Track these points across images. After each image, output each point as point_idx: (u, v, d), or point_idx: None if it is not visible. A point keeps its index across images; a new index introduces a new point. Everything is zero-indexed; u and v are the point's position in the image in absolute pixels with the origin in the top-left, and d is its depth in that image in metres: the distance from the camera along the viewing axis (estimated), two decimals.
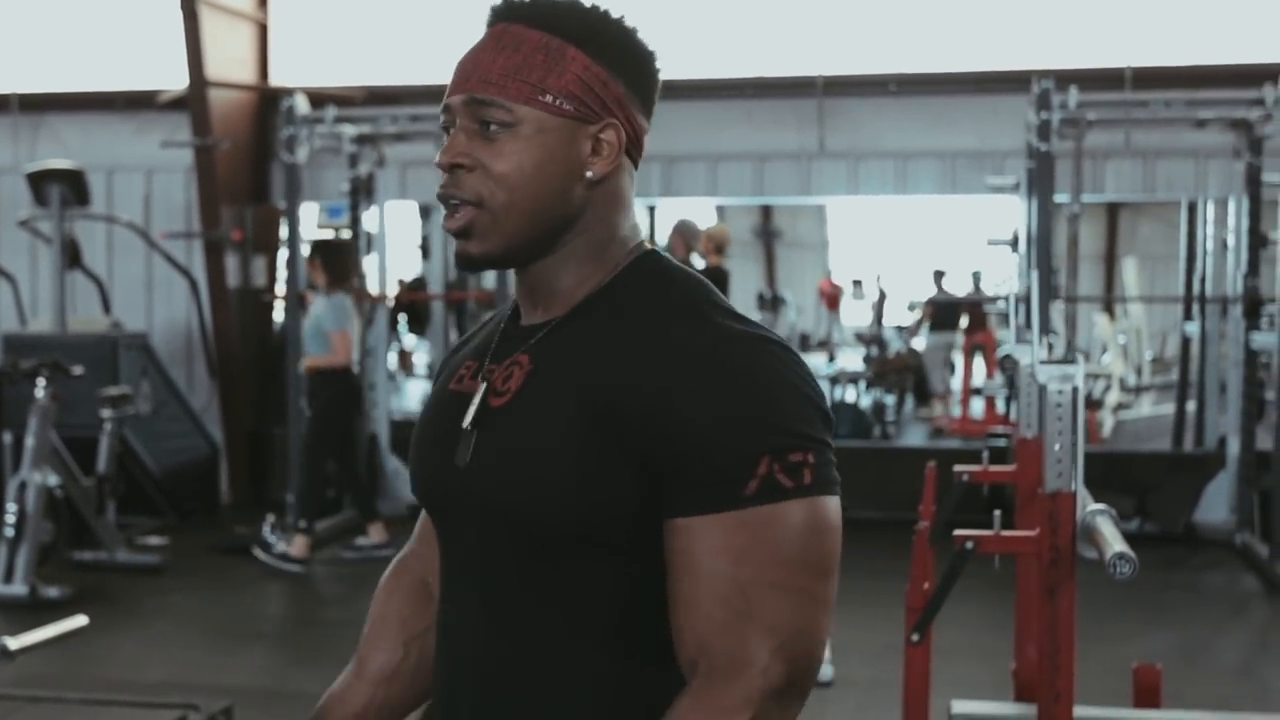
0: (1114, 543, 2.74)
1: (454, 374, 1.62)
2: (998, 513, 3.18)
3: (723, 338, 1.42)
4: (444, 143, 1.51)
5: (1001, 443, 8.62)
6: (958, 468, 4.16)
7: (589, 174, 1.50)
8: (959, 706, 3.74)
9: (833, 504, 1.41)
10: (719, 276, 8.49)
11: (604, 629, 1.43)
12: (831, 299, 19.14)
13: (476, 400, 1.51)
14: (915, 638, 3.23)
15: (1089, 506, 2.97)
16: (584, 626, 1.44)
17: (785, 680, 1.36)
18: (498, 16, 1.52)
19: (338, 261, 8.04)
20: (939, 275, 14.19)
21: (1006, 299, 9.23)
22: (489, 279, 11.16)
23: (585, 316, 1.50)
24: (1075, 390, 3.01)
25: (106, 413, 7.75)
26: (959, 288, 14.68)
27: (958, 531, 3.13)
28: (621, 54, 1.51)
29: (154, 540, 8.05)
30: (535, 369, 1.49)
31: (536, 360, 1.50)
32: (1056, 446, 3.01)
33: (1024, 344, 4.21)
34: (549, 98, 1.46)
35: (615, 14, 1.53)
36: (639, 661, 1.44)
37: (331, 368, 7.87)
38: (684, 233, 8.72)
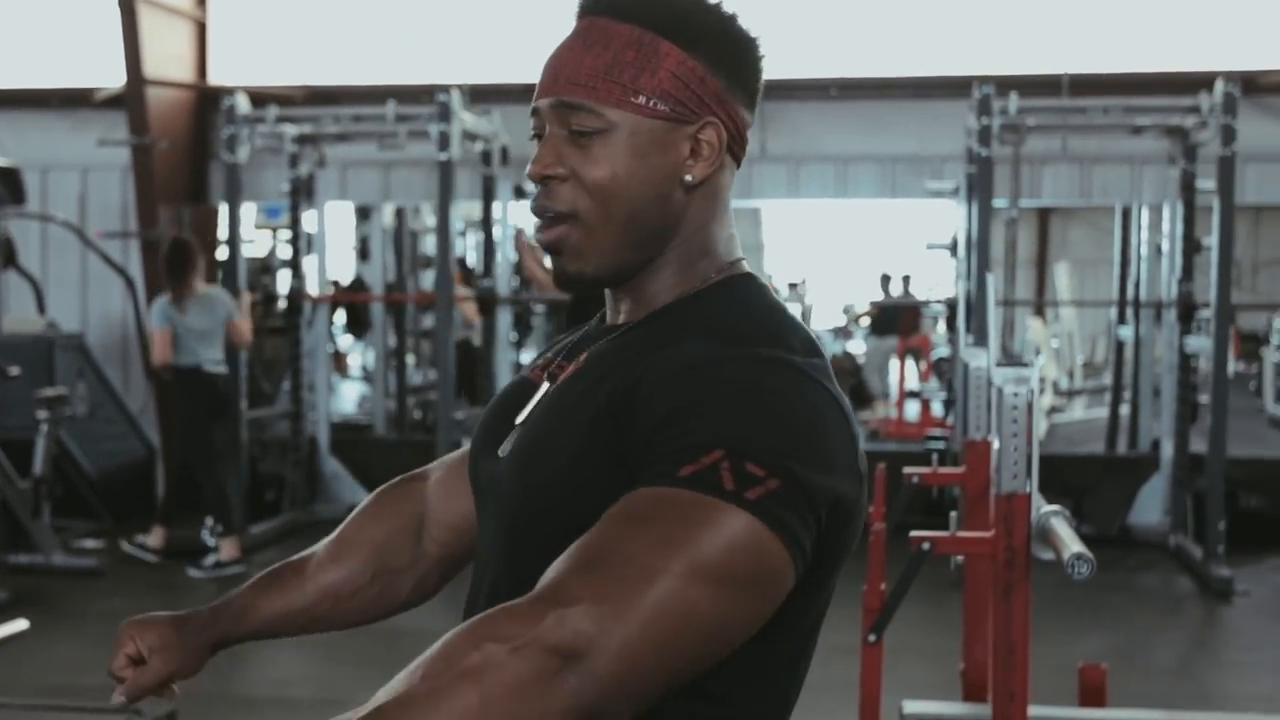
0: (1071, 543, 2.77)
1: (536, 362, 1.56)
2: (954, 514, 3.21)
3: (754, 357, 1.29)
4: (535, 150, 1.41)
5: (940, 445, 8.69)
6: (907, 469, 4.19)
7: (688, 178, 1.39)
8: (910, 707, 3.77)
9: (770, 544, 1.20)
10: None
11: None
12: None
13: (536, 398, 1.46)
14: (872, 638, 3.25)
15: (1043, 508, 3.01)
16: None
17: (584, 643, 1.14)
18: (585, 9, 1.41)
19: (165, 263, 7.79)
20: (885, 279, 14.29)
21: (945, 302, 9.32)
22: (427, 280, 11.16)
23: (648, 326, 1.41)
24: (1031, 392, 3.05)
25: (42, 414, 7.65)
26: (897, 291, 14.78)
27: (914, 533, 3.15)
28: (720, 44, 1.40)
29: (90, 543, 7.96)
30: (580, 370, 1.42)
31: (589, 362, 1.42)
32: (1011, 448, 3.04)
33: (974, 347, 4.25)
34: (642, 99, 1.36)
35: (710, 0, 1.42)
36: None
37: (175, 368, 7.72)
38: None
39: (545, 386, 1.46)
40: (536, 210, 1.40)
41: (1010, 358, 7.13)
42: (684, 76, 1.37)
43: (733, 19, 1.41)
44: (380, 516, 1.69)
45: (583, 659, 1.13)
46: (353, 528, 1.69)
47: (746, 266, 1.47)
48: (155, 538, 7.81)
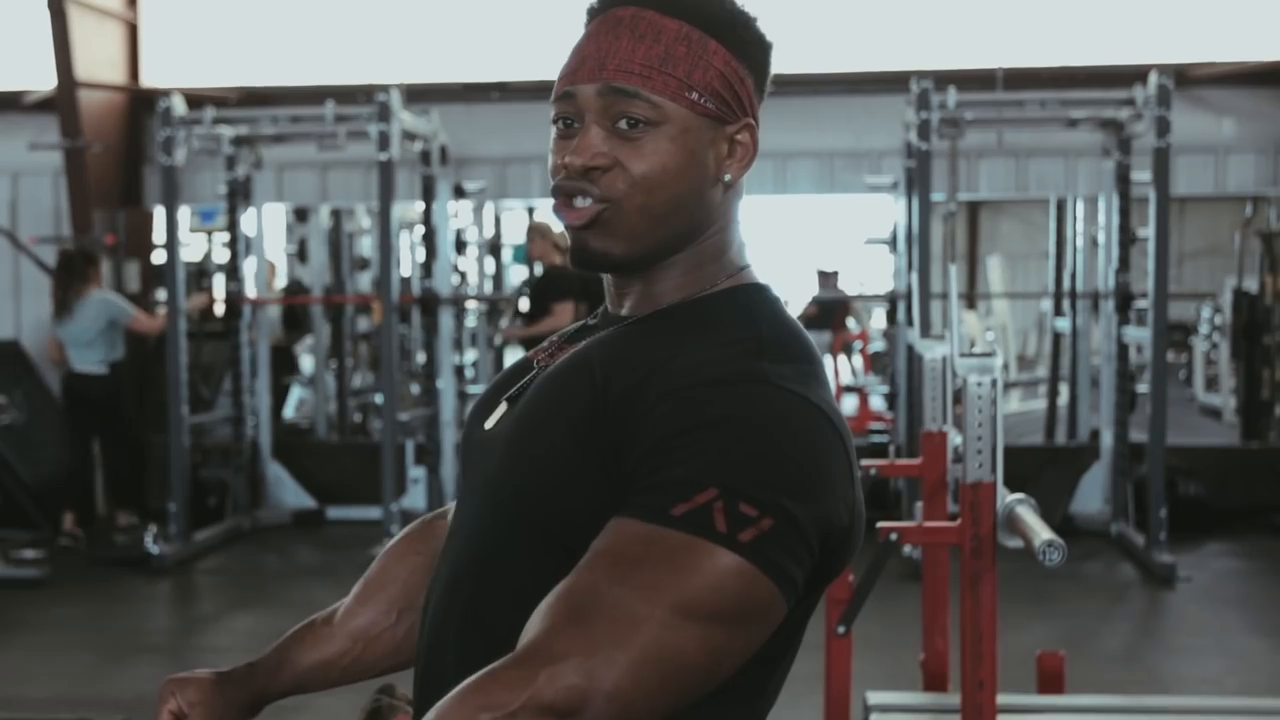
0: (1041, 530, 2.81)
1: (544, 345, 1.54)
2: (919, 505, 3.23)
3: (765, 382, 1.27)
4: (557, 140, 1.39)
5: (883, 439, 8.77)
6: (865, 461, 4.21)
7: (726, 178, 1.40)
8: (875, 698, 3.80)
9: (762, 586, 1.20)
10: (562, 277, 8.51)
11: None
12: None
13: (528, 378, 1.46)
14: (841, 629, 3.27)
15: (1009, 497, 3.04)
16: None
17: (575, 699, 1.14)
18: (621, 0, 1.39)
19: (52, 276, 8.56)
20: (822, 275, 14.34)
21: (886, 296, 9.37)
22: (365, 281, 11.09)
23: (651, 324, 1.40)
24: (995, 382, 3.08)
25: None
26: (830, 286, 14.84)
27: (881, 524, 3.17)
28: (754, 47, 1.41)
29: (30, 553, 7.85)
30: (573, 355, 1.41)
31: (584, 348, 1.41)
32: (977, 438, 3.07)
33: (931, 339, 4.28)
34: (695, 95, 1.35)
35: (740, 1, 1.43)
36: None
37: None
38: (544, 232, 8.87)
39: (540, 366, 1.47)
40: (564, 192, 1.37)
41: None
42: (729, 76, 1.37)
43: (756, 23, 1.43)
44: (403, 555, 1.69)
45: (577, 715, 1.14)
46: (377, 570, 1.69)
47: (756, 274, 1.46)
48: (67, 521, 8.29)
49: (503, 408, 1.44)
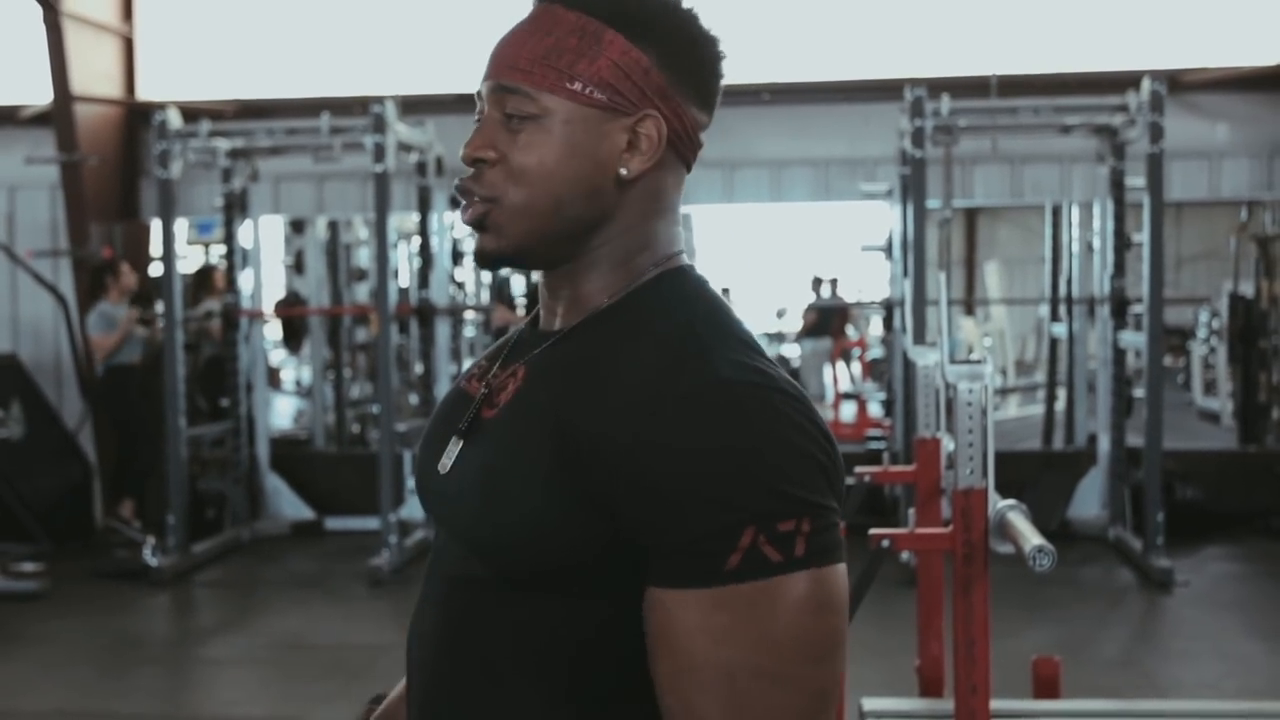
0: (1031, 536, 2.81)
1: (471, 371, 1.52)
2: (911, 511, 3.24)
3: (717, 381, 1.26)
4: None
5: (881, 445, 8.77)
6: (859, 469, 4.22)
7: (622, 171, 1.35)
8: (870, 704, 3.80)
9: (831, 576, 1.22)
10: None
11: (550, 671, 1.30)
12: None
13: (473, 408, 1.41)
14: None
15: (1000, 503, 3.05)
16: (529, 665, 1.31)
17: None
18: None
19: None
20: (817, 282, 14.38)
21: (882, 303, 9.39)
22: (362, 293, 11.10)
23: (586, 335, 1.37)
24: (985, 389, 3.09)
25: None
26: (823, 293, 14.87)
27: (874, 530, 3.18)
28: (671, 39, 1.37)
29: (30, 566, 7.85)
30: (525, 386, 1.37)
31: (530, 375, 1.38)
32: (968, 444, 3.08)
33: (924, 346, 4.29)
34: (578, 85, 1.33)
35: None
36: (586, 709, 1.30)
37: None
38: None
39: (482, 394, 1.42)
40: (460, 191, 1.38)
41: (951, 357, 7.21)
42: (625, 66, 1.34)
43: (690, 15, 1.39)
44: None
45: None
46: None
47: (684, 260, 1.42)
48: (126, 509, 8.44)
49: (455, 445, 1.40)
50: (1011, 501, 3.04)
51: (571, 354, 1.35)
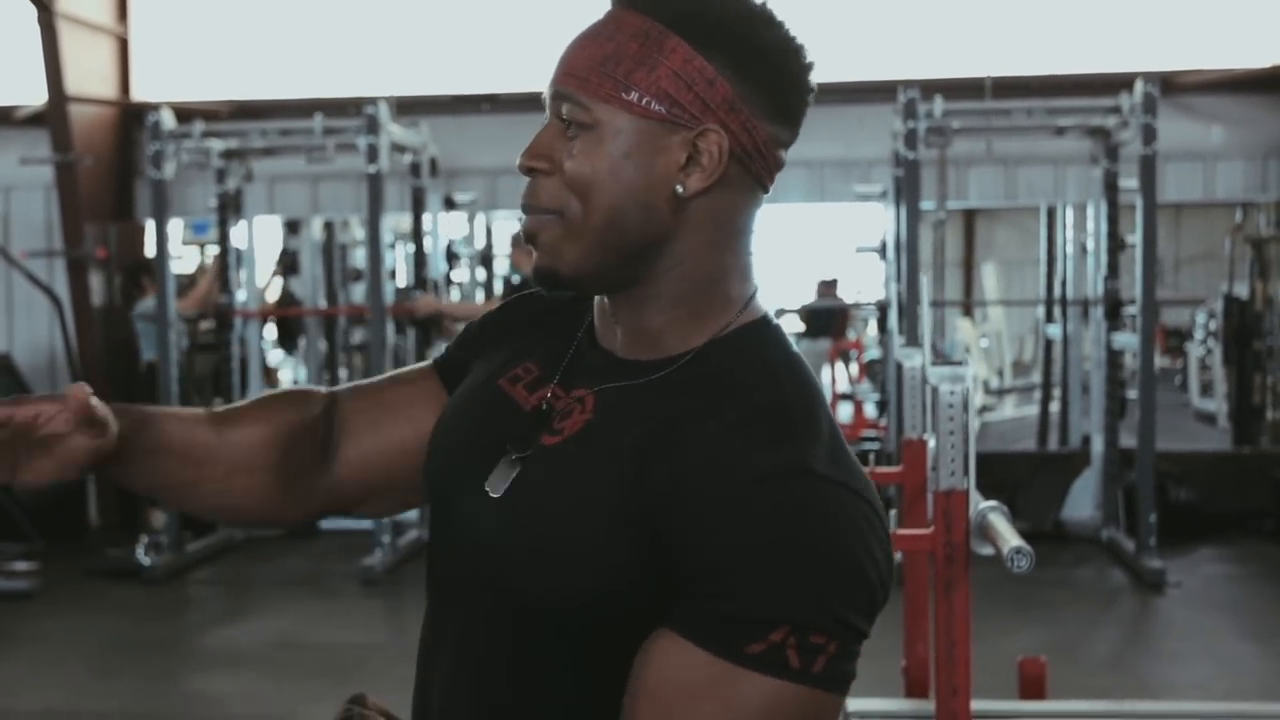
0: (1010, 537, 2.81)
1: (510, 367, 1.44)
2: (894, 512, 3.24)
3: (803, 472, 1.21)
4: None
5: (875, 446, 8.77)
6: None
7: (678, 188, 1.27)
8: (855, 705, 3.80)
9: (832, 706, 1.22)
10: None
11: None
12: None
13: (532, 426, 1.35)
14: None
15: (981, 504, 3.05)
16: (558, 701, 1.29)
17: None
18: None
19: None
20: (824, 285, 14.38)
21: (876, 305, 9.40)
22: (359, 293, 11.09)
23: (665, 383, 1.31)
24: (966, 391, 3.09)
25: None
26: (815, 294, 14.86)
27: None
28: (741, 45, 1.28)
29: (22, 566, 7.86)
30: (595, 422, 1.31)
31: (600, 411, 1.32)
32: (949, 446, 3.08)
33: (909, 348, 4.29)
34: (634, 95, 1.25)
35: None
36: None
37: None
38: (517, 242, 8.90)
39: (543, 411, 1.36)
40: (523, 204, 1.32)
41: (938, 357, 7.21)
42: (687, 76, 1.26)
43: (768, 19, 1.31)
44: (298, 405, 1.53)
45: None
46: (267, 400, 1.54)
47: (760, 304, 1.36)
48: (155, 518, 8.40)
49: (509, 468, 1.33)
50: (993, 503, 3.04)
51: (647, 403, 1.30)
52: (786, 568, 1.18)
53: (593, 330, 1.41)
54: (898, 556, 6.37)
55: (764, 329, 1.35)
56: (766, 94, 1.29)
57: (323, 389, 1.58)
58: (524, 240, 1.33)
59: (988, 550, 2.96)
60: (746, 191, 1.31)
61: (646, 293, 1.32)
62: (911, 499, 4.18)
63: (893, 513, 3.26)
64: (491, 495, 1.32)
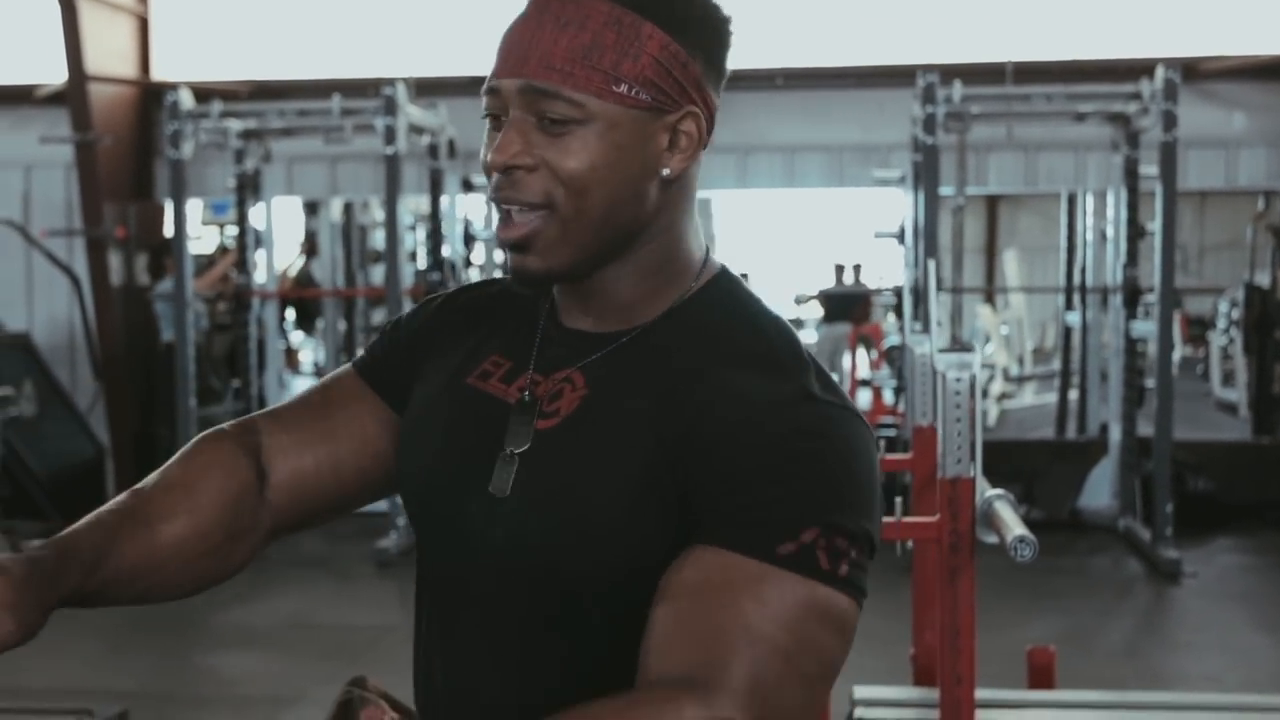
0: (1014, 526, 2.80)
1: (474, 364, 1.42)
2: (899, 499, 3.22)
3: (809, 396, 1.26)
4: (489, 134, 1.31)
5: (891, 433, 8.75)
6: None
7: (665, 171, 1.30)
8: (861, 692, 3.80)
9: (853, 610, 1.24)
10: None
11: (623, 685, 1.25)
12: None
13: (522, 418, 1.35)
14: None
15: (987, 492, 3.03)
16: (604, 681, 1.27)
17: None
18: None
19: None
20: (840, 268, 14.33)
21: (893, 290, 9.38)
22: (377, 275, 11.11)
23: (650, 344, 1.33)
24: (973, 378, 3.07)
25: None
26: (845, 279, 14.82)
27: None
28: (700, 25, 1.30)
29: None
30: (591, 395, 1.32)
31: (593, 384, 1.33)
32: (955, 433, 3.06)
33: (919, 334, 4.27)
34: (624, 87, 1.26)
35: None
36: None
37: None
38: None
39: (527, 400, 1.35)
40: (501, 201, 1.29)
41: (956, 344, 7.18)
42: (666, 62, 1.27)
43: None
44: (225, 469, 1.47)
45: None
46: (195, 476, 1.46)
47: (715, 260, 1.40)
48: None
49: (509, 464, 1.33)
50: (999, 491, 3.02)
51: (639, 364, 1.33)
52: (810, 476, 1.22)
53: (555, 313, 1.40)
54: (911, 544, 6.38)
55: (728, 281, 1.39)
56: (716, 68, 1.33)
57: (256, 425, 1.53)
58: (509, 248, 1.31)
59: (992, 539, 2.95)
60: (699, 161, 1.34)
61: (622, 269, 1.34)
62: (922, 486, 4.16)
63: (898, 500, 3.24)
64: (497, 496, 1.33)
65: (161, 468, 1.48)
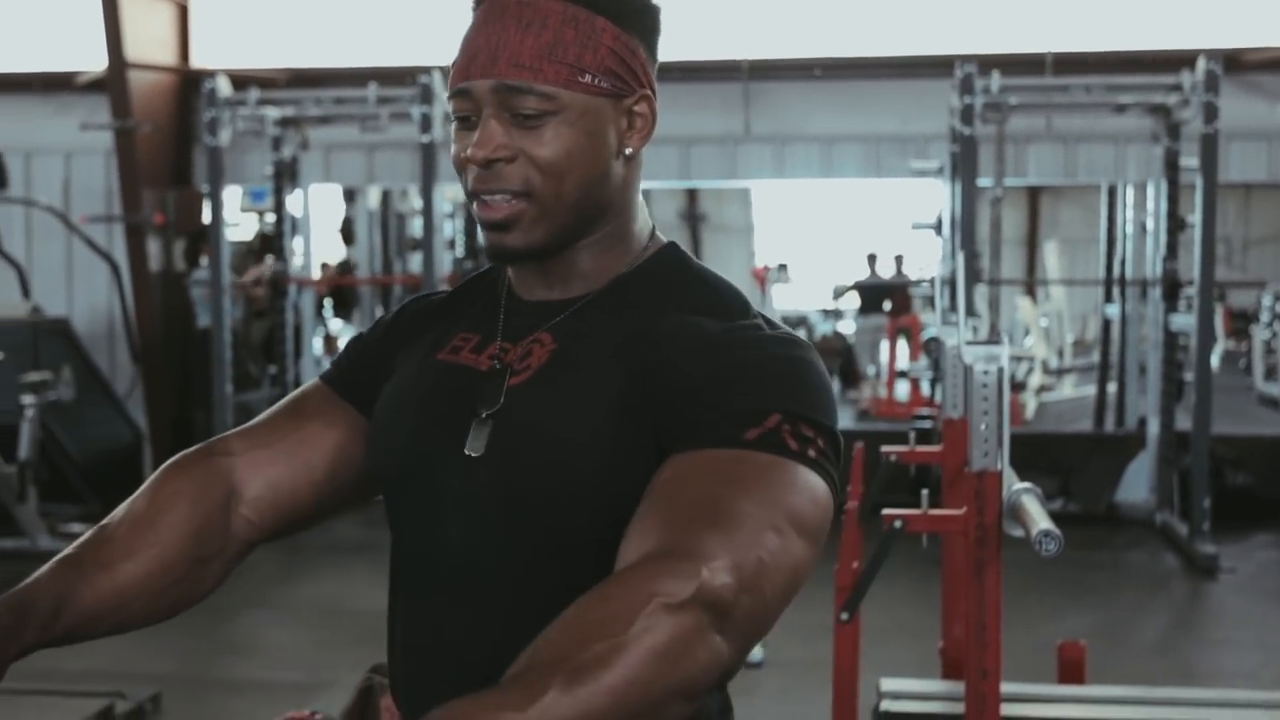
0: (1039, 520, 2.77)
1: (443, 344, 1.50)
2: (925, 492, 3.21)
3: (756, 328, 1.38)
4: (459, 134, 1.40)
5: (927, 424, 8.70)
6: (885, 448, 4.19)
7: (628, 150, 1.42)
8: (888, 684, 3.79)
9: (827, 491, 1.29)
10: None
11: None
12: (764, 283, 19.24)
13: (492, 383, 1.42)
14: (844, 616, 3.26)
15: (1014, 485, 3.01)
16: None
17: (731, 597, 1.16)
18: None
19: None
20: (873, 259, 14.28)
21: (930, 282, 9.33)
22: (415, 263, 11.13)
23: (610, 301, 1.43)
24: (1001, 370, 3.05)
25: (27, 399, 7.64)
26: (885, 271, 14.76)
27: (886, 511, 3.15)
28: (640, 15, 1.42)
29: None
30: (560, 349, 1.41)
31: (560, 339, 1.42)
32: (982, 426, 3.04)
33: (950, 326, 4.25)
34: (588, 78, 1.37)
35: None
36: None
37: None
38: None
39: (497, 367, 1.42)
40: (478, 193, 1.38)
41: (985, 335, 7.12)
42: (620, 51, 1.39)
43: None
44: (190, 496, 1.50)
45: (727, 616, 1.16)
46: (158, 509, 1.49)
47: (660, 233, 1.51)
48: None
49: (482, 427, 1.39)
50: (1026, 485, 3.00)
51: (601, 319, 1.42)
52: (769, 377, 1.31)
53: (512, 291, 1.50)
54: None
55: (678, 251, 1.50)
56: (653, 53, 1.45)
57: (229, 444, 1.57)
58: (490, 228, 1.40)
59: (1019, 532, 2.92)
60: (650, 138, 1.45)
61: (584, 243, 1.44)
62: (952, 479, 4.14)
63: (924, 492, 3.23)
64: (474, 456, 1.39)
65: (130, 499, 1.52)
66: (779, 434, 1.27)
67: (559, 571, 1.34)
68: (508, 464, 1.37)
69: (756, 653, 5.49)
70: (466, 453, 1.39)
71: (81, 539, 1.48)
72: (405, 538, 1.49)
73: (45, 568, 1.43)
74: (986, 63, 8.01)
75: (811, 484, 1.27)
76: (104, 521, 1.50)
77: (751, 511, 1.22)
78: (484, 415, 1.39)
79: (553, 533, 1.35)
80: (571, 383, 1.37)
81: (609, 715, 1.08)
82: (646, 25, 1.43)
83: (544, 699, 1.06)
